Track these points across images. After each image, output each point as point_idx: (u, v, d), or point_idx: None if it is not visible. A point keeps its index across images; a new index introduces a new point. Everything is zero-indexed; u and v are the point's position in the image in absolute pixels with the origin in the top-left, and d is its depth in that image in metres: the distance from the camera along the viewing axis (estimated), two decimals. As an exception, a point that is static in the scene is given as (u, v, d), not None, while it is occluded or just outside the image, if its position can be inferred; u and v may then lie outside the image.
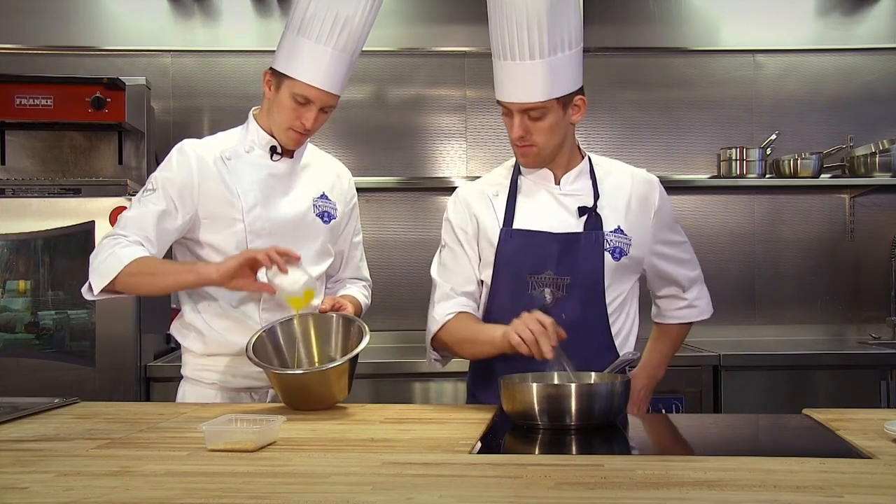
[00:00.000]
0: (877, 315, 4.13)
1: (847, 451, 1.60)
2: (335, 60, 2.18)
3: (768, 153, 4.06)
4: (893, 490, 1.31)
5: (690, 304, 2.38)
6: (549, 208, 2.17)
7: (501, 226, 2.16)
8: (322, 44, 2.16)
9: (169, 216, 2.20)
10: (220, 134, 2.37)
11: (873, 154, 3.97)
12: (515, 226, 2.16)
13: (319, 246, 2.35)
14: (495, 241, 2.16)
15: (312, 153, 2.42)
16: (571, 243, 2.12)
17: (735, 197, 4.20)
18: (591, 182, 2.20)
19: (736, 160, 4.03)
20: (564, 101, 2.08)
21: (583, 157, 2.23)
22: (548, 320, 1.92)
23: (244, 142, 2.31)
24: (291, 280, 2.09)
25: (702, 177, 4.13)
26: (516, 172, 2.23)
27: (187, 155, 2.25)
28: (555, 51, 2.03)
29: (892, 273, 4.06)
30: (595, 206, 2.15)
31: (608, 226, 2.15)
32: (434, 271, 2.27)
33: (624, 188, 2.21)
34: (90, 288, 2.15)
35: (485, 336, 2.08)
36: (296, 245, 2.27)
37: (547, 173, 2.19)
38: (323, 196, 2.37)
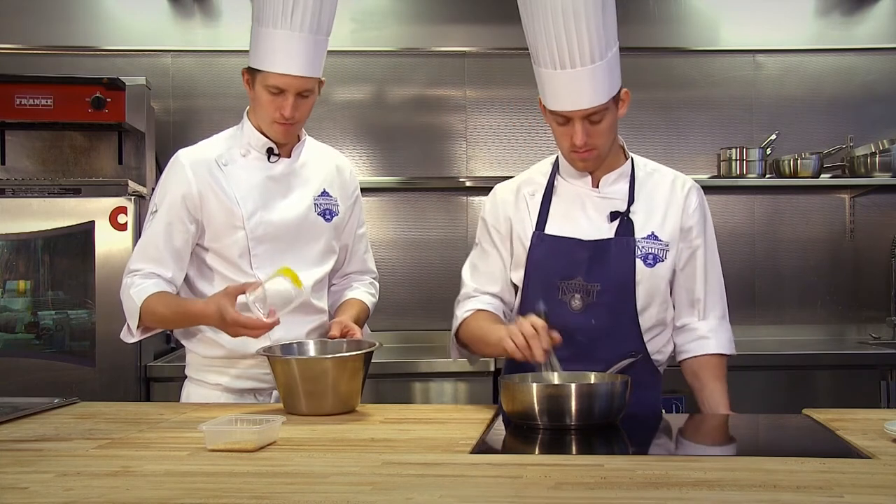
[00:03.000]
0: (877, 315, 4.12)
1: (847, 451, 1.60)
2: (295, 42, 2.15)
3: (768, 153, 4.06)
4: (893, 490, 1.31)
5: (704, 335, 2.22)
6: (583, 212, 2.14)
7: (534, 229, 2.15)
8: (279, 28, 2.15)
9: (177, 233, 2.20)
10: (214, 137, 2.34)
11: (873, 154, 3.96)
12: (547, 230, 2.14)
13: (323, 245, 2.33)
14: (528, 244, 2.14)
15: (310, 147, 2.38)
16: (602, 250, 2.09)
17: (735, 197, 4.19)
18: (629, 185, 2.16)
19: (736, 160, 4.03)
20: (615, 97, 2.05)
21: (626, 158, 2.19)
22: (540, 323, 1.91)
23: (240, 144, 2.29)
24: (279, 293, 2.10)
25: (702, 177, 4.11)
26: (555, 172, 2.20)
27: (183, 166, 2.24)
28: (610, 48, 2.00)
29: (892, 273, 4.06)
30: (628, 210, 2.12)
31: (641, 232, 2.11)
32: (464, 270, 2.27)
33: (663, 193, 2.17)
34: (129, 330, 2.21)
35: (493, 337, 2.06)
36: (299, 246, 2.27)
37: (585, 174, 2.16)
38: (324, 193, 2.34)
